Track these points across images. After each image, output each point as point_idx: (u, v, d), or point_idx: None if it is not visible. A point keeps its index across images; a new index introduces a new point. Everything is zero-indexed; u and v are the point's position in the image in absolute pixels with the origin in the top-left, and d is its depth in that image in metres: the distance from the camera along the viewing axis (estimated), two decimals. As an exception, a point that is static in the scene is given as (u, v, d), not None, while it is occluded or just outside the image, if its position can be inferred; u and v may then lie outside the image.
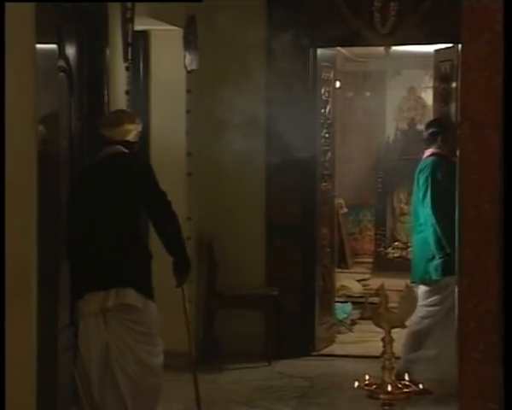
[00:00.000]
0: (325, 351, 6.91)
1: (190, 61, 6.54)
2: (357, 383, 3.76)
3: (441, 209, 5.56)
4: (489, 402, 3.76)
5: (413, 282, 5.79)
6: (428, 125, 6.11)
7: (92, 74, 5.35)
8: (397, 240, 10.23)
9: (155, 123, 6.61)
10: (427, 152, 5.96)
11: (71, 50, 5.16)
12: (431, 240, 5.66)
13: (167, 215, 4.61)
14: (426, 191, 5.73)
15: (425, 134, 6.03)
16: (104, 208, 4.60)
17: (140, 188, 4.60)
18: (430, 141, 5.94)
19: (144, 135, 6.52)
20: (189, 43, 6.51)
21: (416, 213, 5.90)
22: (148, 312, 4.57)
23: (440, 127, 5.90)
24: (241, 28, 6.74)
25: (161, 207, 4.61)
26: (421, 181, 5.84)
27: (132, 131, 4.74)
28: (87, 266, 4.58)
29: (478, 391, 3.81)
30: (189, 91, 6.61)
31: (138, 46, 6.36)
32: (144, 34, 6.51)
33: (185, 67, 6.53)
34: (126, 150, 4.68)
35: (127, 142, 4.70)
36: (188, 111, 6.62)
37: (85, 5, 5.17)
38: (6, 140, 3.70)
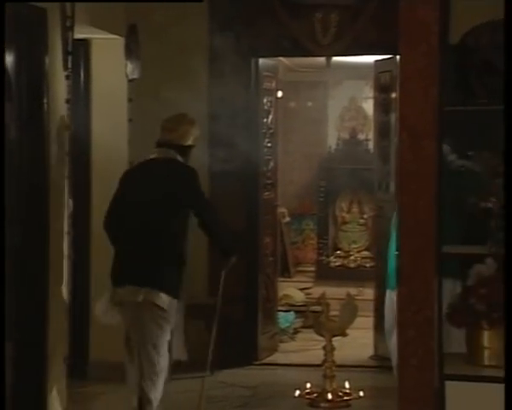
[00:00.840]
0: (268, 360, 6.93)
1: (132, 69, 6.52)
2: (298, 392, 3.78)
3: None
4: (427, 408, 3.82)
5: (391, 288, 5.81)
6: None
7: (31, 83, 5.28)
8: (339, 249, 10.31)
9: (97, 132, 6.56)
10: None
11: (9, 58, 5.09)
12: None
13: (210, 211, 5.11)
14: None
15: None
16: (145, 210, 4.96)
17: (186, 192, 5.01)
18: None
19: (85, 144, 6.49)
20: (131, 51, 6.48)
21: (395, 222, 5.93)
22: (171, 307, 4.96)
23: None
24: (184, 47, 6.77)
25: (204, 206, 5.08)
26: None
27: (190, 136, 5.15)
28: (126, 259, 4.99)
29: (416, 397, 3.87)
30: (130, 100, 6.58)
31: (79, 55, 6.31)
32: (85, 43, 6.46)
33: (126, 76, 6.50)
34: (178, 154, 5.08)
35: (183, 145, 5.10)
36: (130, 120, 6.59)
37: (24, 12, 5.10)
38: None
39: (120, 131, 6.48)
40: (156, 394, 5.09)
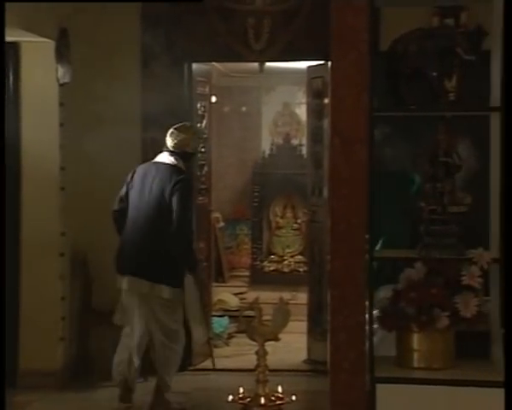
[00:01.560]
0: (201, 365, 6.91)
1: (63, 73, 6.44)
2: (231, 397, 3.78)
3: None
4: (358, 411, 3.86)
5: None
6: None
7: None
8: (273, 253, 10.35)
9: (27, 137, 6.47)
10: None
11: None
12: None
13: (180, 221, 5.63)
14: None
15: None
16: (146, 206, 5.69)
17: (171, 196, 5.62)
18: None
19: (15, 149, 6.38)
20: (62, 55, 6.41)
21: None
22: (175, 295, 5.68)
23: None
24: (116, 51, 6.72)
25: (177, 216, 5.61)
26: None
27: (191, 144, 5.88)
28: (129, 251, 5.68)
29: (348, 400, 3.90)
30: (61, 104, 6.50)
31: (8, 58, 6.22)
32: (14, 46, 6.36)
33: (57, 80, 6.42)
34: (181, 160, 5.78)
35: (184, 152, 5.82)
36: (61, 124, 6.51)
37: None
38: None
39: (51, 135, 6.39)
40: (171, 379, 5.80)
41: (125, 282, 5.72)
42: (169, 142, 5.86)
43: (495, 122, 4.00)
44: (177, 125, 5.93)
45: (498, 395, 3.77)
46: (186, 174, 5.85)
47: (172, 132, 5.88)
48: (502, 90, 3.86)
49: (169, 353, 5.82)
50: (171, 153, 5.84)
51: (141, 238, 5.68)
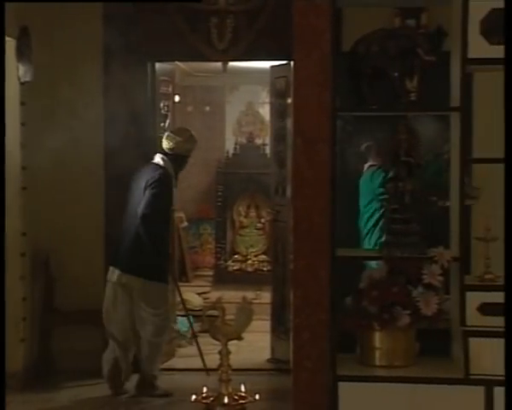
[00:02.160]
0: (165, 365, 6.88)
1: (24, 72, 6.38)
2: (194, 397, 3.78)
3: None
4: (320, 409, 3.88)
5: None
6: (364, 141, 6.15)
7: None
8: (236, 253, 10.35)
9: (-13, 136, 6.39)
10: (366, 165, 6.01)
11: None
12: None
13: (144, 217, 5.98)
14: (370, 200, 5.83)
15: (362, 148, 6.04)
16: (132, 204, 6.07)
17: (146, 192, 5.97)
18: (367, 155, 6.01)
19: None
20: (23, 54, 6.34)
21: (362, 217, 5.99)
22: (148, 288, 5.99)
23: (373, 140, 5.95)
24: (78, 49, 6.68)
25: (142, 212, 5.97)
26: (364, 190, 5.90)
27: (183, 147, 6.21)
28: (117, 245, 6.10)
29: (310, 398, 3.92)
30: (23, 104, 6.44)
31: (-32, 56, 6.14)
32: (-26, 44, 6.29)
33: (18, 79, 6.36)
34: (171, 162, 6.13)
35: (176, 154, 6.16)
36: (22, 124, 6.45)
37: None
38: None
39: (13, 134, 6.33)
40: (157, 368, 6.17)
41: (113, 275, 6.07)
42: (164, 144, 6.24)
43: (455, 122, 4.05)
44: (174, 129, 6.49)
45: (458, 391, 3.83)
46: (161, 171, 6.09)
47: (168, 135, 6.28)
48: (461, 90, 3.91)
49: (154, 347, 6.13)
50: (164, 154, 6.20)
51: (126, 234, 6.05)
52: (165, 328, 6.20)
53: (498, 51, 3.84)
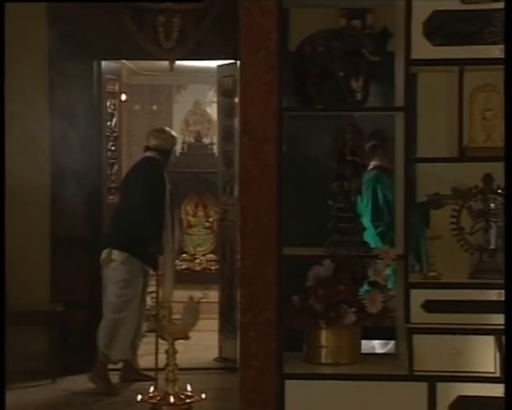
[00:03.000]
0: (113, 366, 6.84)
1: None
2: (140, 397, 3.76)
3: (380, 218, 5.74)
4: (267, 408, 3.90)
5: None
6: (368, 139, 6.09)
7: None
8: (184, 252, 10.34)
9: None
10: (371, 165, 5.95)
11: None
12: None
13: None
14: (368, 203, 5.81)
15: (366, 147, 5.97)
16: (123, 193, 6.72)
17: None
18: (371, 154, 5.94)
19: None
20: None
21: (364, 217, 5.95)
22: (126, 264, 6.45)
23: (380, 140, 5.91)
24: (22, 47, 6.60)
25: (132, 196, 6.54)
26: (364, 192, 5.86)
27: (168, 143, 6.80)
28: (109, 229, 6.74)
29: (257, 397, 3.94)
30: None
31: None
32: None
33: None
34: (159, 156, 6.68)
35: (161, 149, 6.69)
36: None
37: None
38: None
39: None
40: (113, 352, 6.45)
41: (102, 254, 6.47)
42: (149, 141, 6.77)
43: (399, 122, 4.10)
44: (156, 128, 7.15)
45: (402, 388, 3.88)
46: (149, 163, 6.67)
47: (152, 133, 6.83)
48: (405, 90, 3.96)
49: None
50: (151, 150, 6.72)
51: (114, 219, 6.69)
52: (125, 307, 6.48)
53: (441, 52, 3.91)
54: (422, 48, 3.90)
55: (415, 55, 3.92)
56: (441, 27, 3.86)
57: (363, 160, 4.18)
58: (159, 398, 3.72)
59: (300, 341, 4.15)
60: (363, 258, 4.09)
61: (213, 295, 8.02)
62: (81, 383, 6.46)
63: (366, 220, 5.88)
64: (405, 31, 3.90)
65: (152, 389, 3.86)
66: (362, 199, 5.98)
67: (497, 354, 3.84)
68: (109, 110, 7.27)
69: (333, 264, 4.11)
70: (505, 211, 3.33)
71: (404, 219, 4.03)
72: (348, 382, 3.94)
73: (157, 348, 6.60)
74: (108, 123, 7.24)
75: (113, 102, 7.32)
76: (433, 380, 3.87)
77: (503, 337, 3.83)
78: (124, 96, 8.00)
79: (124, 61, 8.29)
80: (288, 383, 3.94)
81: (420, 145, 4.73)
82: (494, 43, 3.92)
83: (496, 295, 3.89)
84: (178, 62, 6.90)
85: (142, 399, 3.73)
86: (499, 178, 4.06)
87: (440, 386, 3.86)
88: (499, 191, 4.06)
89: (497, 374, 3.85)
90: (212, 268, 9.84)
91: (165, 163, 6.84)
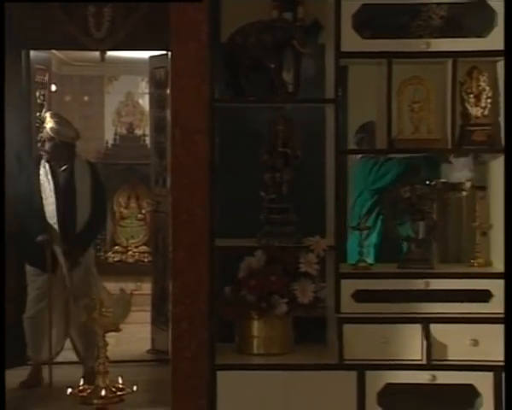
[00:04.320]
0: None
1: None
2: (70, 390, 3.72)
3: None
4: (199, 399, 3.91)
5: None
6: (357, 132, 6.00)
7: None
8: (117, 244, 10.27)
9: None
10: (359, 156, 5.88)
11: None
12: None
13: None
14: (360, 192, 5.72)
15: (354, 140, 5.91)
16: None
17: None
18: (359, 146, 5.87)
19: None
20: None
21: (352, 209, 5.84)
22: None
23: (366, 133, 5.84)
24: None
25: None
26: (356, 182, 5.76)
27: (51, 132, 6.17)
28: None
29: (189, 388, 3.95)
30: None
31: None
32: None
33: None
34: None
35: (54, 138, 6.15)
36: None
37: None
38: None
39: None
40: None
41: None
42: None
43: (330, 114, 4.14)
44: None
45: (333, 376, 3.93)
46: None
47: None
48: (335, 82, 4.00)
49: None
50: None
51: None
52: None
53: (370, 45, 3.96)
54: (352, 40, 3.95)
55: (344, 48, 3.97)
56: (370, 20, 3.91)
57: (294, 151, 4.20)
58: (89, 391, 3.70)
59: (232, 332, 4.18)
60: (294, 249, 4.13)
61: (146, 287, 7.97)
62: (12, 377, 6.34)
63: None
64: (335, 24, 3.94)
65: (82, 382, 3.83)
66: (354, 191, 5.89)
67: (424, 342, 3.92)
68: (39, 101, 7.16)
69: (265, 255, 4.14)
70: (505, 210, 3.37)
71: (335, 210, 4.07)
72: (280, 372, 3.98)
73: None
74: (38, 114, 7.13)
75: (42, 92, 7.21)
76: (362, 368, 3.94)
77: (430, 326, 3.94)
78: (54, 87, 7.89)
79: (54, 51, 8.17)
80: (220, 374, 3.96)
81: (350, 137, 4.79)
82: (421, 36, 4.00)
83: (423, 284, 3.98)
84: (110, 53, 6.82)
85: (71, 392, 3.70)
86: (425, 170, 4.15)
87: (369, 374, 3.93)
88: (427, 182, 4.14)
89: (424, 361, 3.93)
90: (145, 260, 9.79)
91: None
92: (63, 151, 6.16)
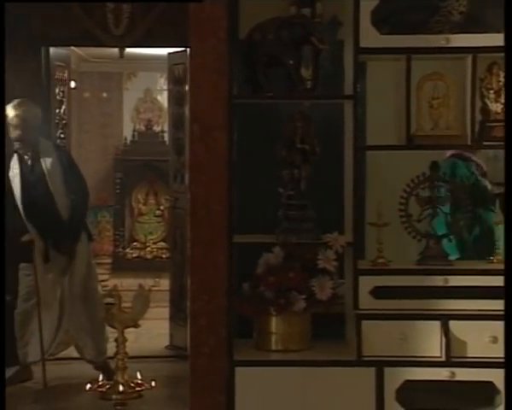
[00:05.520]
0: (62, 354, 6.79)
1: None
2: (89, 385, 3.75)
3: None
4: (217, 395, 3.92)
5: None
6: None
7: None
8: (135, 240, 10.31)
9: None
10: (449, 152, 5.80)
11: None
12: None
13: None
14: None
15: None
16: None
17: None
18: None
19: None
20: None
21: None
22: None
23: None
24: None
25: None
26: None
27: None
28: None
29: (208, 384, 3.95)
30: None
31: None
32: None
33: None
34: None
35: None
36: None
37: None
38: None
39: None
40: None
41: None
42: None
43: (348, 110, 4.13)
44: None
45: (351, 373, 3.93)
46: None
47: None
48: (354, 78, 3.99)
49: None
50: None
51: None
52: None
53: (388, 41, 3.95)
54: (370, 37, 3.94)
55: (363, 44, 3.96)
56: (388, 16, 3.90)
57: (312, 147, 4.20)
58: (108, 387, 3.73)
59: (251, 328, 4.18)
60: (312, 245, 4.12)
61: (164, 283, 8.00)
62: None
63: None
64: (354, 20, 3.94)
65: (101, 377, 3.86)
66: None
67: (443, 339, 3.91)
68: (58, 97, 7.20)
69: (283, 251, 4.14)
70: (505, 210, 3.35)
71: (354, 206, 4.07)
72: (298, 368, 3.98)
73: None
74: (57, 110, 7.17)
75: (62, 89, 7.25)
76: (380, 365, 3.93)
77: (449, 323, 3.92)
78: (73, 84, 7.92)
79: (73, 48, 8.21)
80: (239, 370, 3.97)
81: (369, 133, 4.77)
82: (440, 32, 3.99)
83: (442, 280, 3.97)
84: (129, 50, 6.84)
85: (90, 388, 3.73)
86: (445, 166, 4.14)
87: (388, 371, 3.92)
88: (446, 179, 4.12)
89: (443, 358, 3.92)
90: (164, 256, 9.82)
91: None
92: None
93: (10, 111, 5.79)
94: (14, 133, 5.78)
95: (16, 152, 5.83)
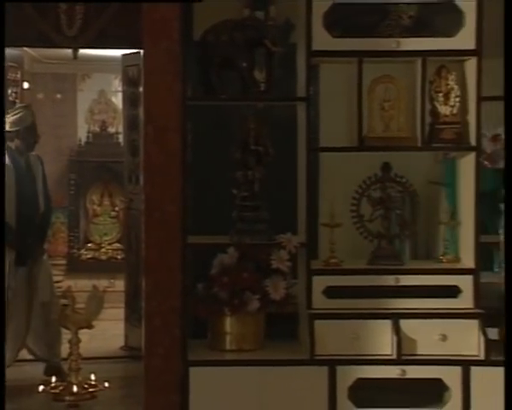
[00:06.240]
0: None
1: None
2: (42, 387, 3.74)
3: None
4: (172, 395, 3.93)
5: None
6: None
7: None
8: (90, 241, 10.26)
9: None
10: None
11: None
12: None
13: None
14: None
15: None
16: None
17: None
18: None
19: None
20: None
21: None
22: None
23: None
24: None
25: None
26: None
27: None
28: None
29: (162, 385, 3.96)
30: None
31: None
32: None
33: None
34: None
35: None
36: None
37: None
38: None
39: None
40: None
41: None
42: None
43: (301, 112, 4.17)
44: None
45: (304, 372, 3.97)
46: None
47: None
48: (306, 81, 4.04)
49: None
50: None
51: None
52: None
53: (340, 44, 4.00)
54: (323, 39, 3.98)
55: (315, 47, 4.00)
56: (341, 19, 3.95)
57: (266, 149, 4.23)
58: (61, 388, 3.72)
59: (205, 328, 4.20)
60: (266, 246, 4.15)
61: (119, 284, 7.97)
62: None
63: None
64: (306, 22, 3.98)
65: (54, 379, 3.85)
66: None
67: (394, 338, 3.97)
68: (11, 98, 7.16)
69: (237, 252, 4.16)
70: (505, 210, 3.39)
71: (307, 207, 4.11)
72: (252, 367, 4.01)
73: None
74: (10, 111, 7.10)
75: (14, 90, 7.21)
76: (333, 364, 3.98)
77: (400, 321, 3.99)
78: (26, 85, 7.87)
79: (26, 48, 8.15)
80: (193, 370, 3.98)
81: (322, 135, 4.82)
82: (390, 36, 4.05)
83: (393, 280, 4.03)
84: (82, 51, 6.80)
85: (43, 389, 3.72)
86: (396, 167, 4.20)
87: (340, 369, 3.97)
88: (397, 180, 4.19)
89: (394, 356, 3.98)
90: (119, 257, 9.79)
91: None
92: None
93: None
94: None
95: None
